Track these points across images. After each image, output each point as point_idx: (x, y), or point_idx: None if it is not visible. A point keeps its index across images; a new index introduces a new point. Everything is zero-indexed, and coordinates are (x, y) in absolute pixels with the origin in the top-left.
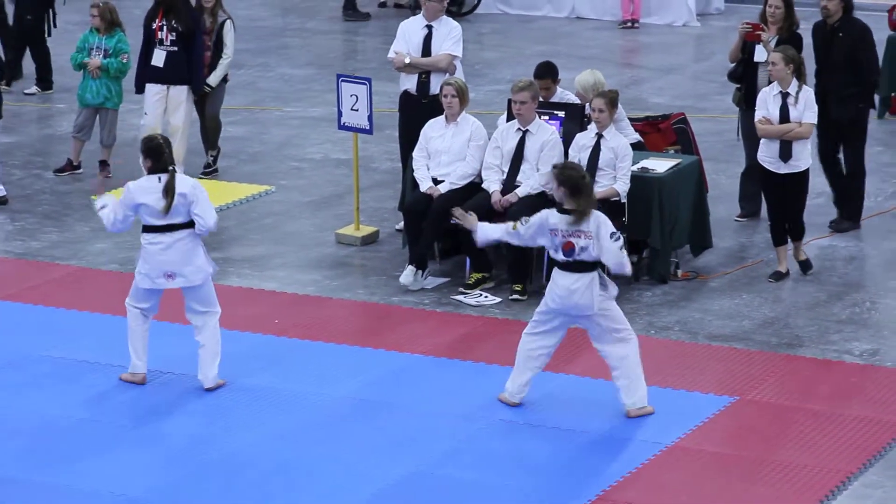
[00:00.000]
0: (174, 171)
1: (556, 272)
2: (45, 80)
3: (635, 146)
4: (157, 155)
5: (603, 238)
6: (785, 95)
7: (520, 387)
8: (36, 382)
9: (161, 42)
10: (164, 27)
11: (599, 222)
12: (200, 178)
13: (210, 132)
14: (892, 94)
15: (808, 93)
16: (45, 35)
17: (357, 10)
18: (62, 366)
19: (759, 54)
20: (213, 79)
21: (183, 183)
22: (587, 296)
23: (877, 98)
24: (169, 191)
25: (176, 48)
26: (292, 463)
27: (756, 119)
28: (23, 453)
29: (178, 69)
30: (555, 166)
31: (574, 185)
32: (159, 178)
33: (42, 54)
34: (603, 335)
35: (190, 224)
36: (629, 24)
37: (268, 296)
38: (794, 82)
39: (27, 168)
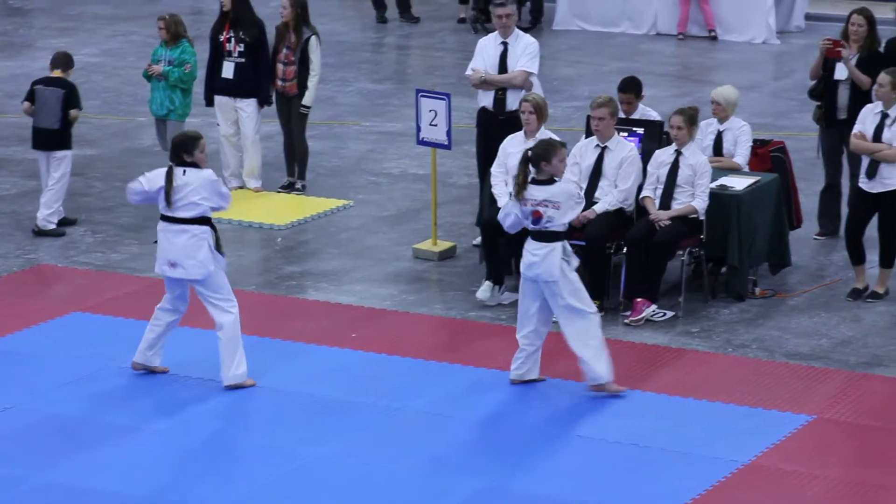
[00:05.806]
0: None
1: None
2: None
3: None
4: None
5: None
6: (885, 115)
7: (518, 364)
8: (113, 394)
9: (230, 54)
10: (232, 39)
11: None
12: (278, 192)
13: (299, 156)
14: None
15: None
16: None
17: (410, 13)
18: (139, 378)
19: (840, 72)
20: (308, 99)
21: (181, 177)
22: (549, 263)
23: None
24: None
25: (244, 59)
26: (365, 477)
27: (852, 132)
28: (103, 464)
29: (246, 81)
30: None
31: (540, 153)
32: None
33: None
34: (561, 311)
35: (195, 220)
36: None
37: (345, 309)
38: None
39: (108, 180)
